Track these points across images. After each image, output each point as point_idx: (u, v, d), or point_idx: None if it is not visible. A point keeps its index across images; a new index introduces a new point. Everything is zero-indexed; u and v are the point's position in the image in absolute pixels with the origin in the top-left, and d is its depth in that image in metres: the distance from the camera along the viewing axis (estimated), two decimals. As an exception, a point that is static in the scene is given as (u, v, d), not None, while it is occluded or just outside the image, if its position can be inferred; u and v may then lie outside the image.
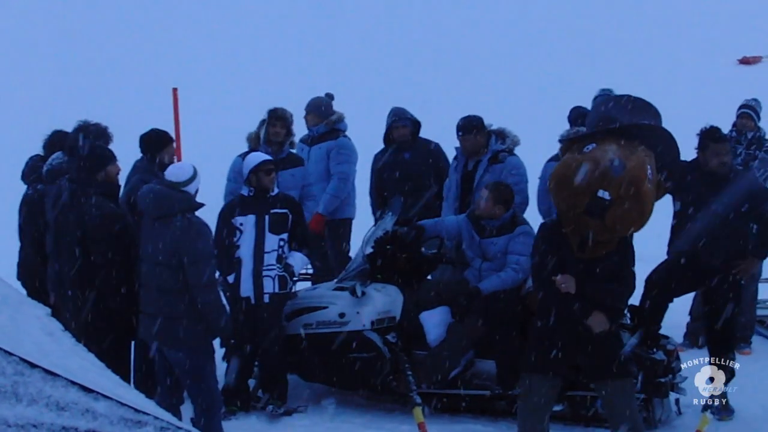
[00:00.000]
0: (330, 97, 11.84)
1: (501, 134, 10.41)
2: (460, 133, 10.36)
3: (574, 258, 7.33)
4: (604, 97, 11.07)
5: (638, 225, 7.35)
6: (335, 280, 9.85)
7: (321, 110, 11.58)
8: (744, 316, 11.17)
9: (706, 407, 7.51)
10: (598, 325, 7.37)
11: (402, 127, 11.21)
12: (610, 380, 7.45)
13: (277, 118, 10.66)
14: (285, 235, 9.37)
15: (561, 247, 7.39)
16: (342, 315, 9.31)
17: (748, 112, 11.53)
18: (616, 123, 7.47)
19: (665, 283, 9.10)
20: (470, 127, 10.31)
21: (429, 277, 9.98)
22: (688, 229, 9.10)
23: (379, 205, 11.36)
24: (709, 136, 9.13)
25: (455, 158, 10.59)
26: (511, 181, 9.82)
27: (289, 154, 10.75)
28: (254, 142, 10.71)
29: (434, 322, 9.23)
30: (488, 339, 9.08)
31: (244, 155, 10.24)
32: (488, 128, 10.40)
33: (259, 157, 9.52)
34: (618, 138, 7.29)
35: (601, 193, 7.00)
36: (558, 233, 7.46)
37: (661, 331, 9.29)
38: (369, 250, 9.65)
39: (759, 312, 11.67)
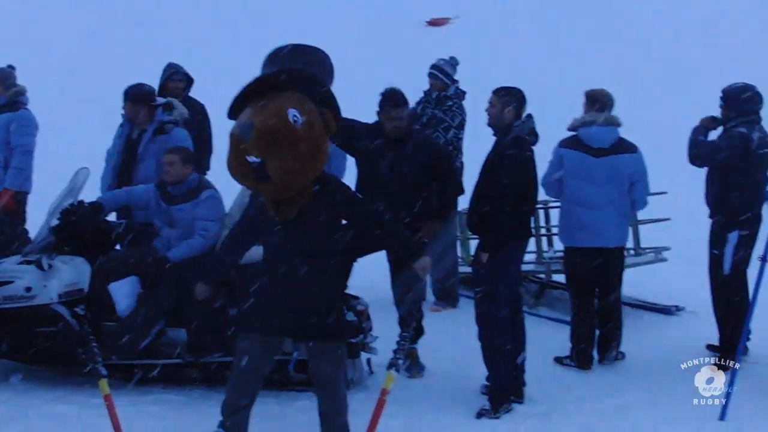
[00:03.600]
0: (12, 68, 11.56)
1: (169, 106, 10.31)
2: (124, 101, 10.24)
3: (276, 222, 7.31)
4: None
5: (309, 169, 7.17)
6: (21, 254, 9.54)
7: (6, 82, 11.33)
8: (451, 276, 11.60)
9: (391, 365, 7.61)
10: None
11: (178, 81, 11.36)
12: (322, 342, 7.47)
13: None
14: None
15: (262, 215, 7.38)
16: (29, 289, 8.99)
17: (433, 72, 11.78)
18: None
19: (350, 244, 9.24)
20: (136, 96, 10.23)
21: (117, 247, 9.81)
22: (377, 192, 9.27)
23: None
24: (387, 99, 9.31)
25: (121, 125, 10.45)
26: None
27: None
28: None
29: (123, 292, 9.06)
30: (179, 307, 9.02)
31: None
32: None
33: None
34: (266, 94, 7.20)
35: (250, 159, 6.97)
36: (258, 201, 7.44)
37: (353, 292, 9.45)
38: (55, 222, 9.38)
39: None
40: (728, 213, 9.59)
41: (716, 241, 9.71)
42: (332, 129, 7.32)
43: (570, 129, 9.69)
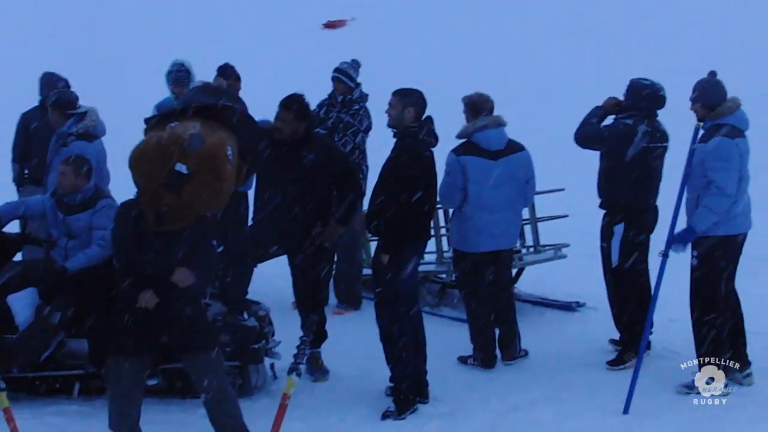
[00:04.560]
0: None
1: (82, 116, 10.17)
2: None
3: (152, 233, 7.28)
4: (177, 72, 11.12)
5: (214, 204, 7.44)
6: None
7: None
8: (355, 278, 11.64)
9: (291, 370, 7.62)
10: (184, 280, 7.39)
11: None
12: (195, 353, 7.51)
13: None
14: None
15: (138, 223, 7.34)
16: (-75, 304, 8.84)
17: (337, 75, 11.68)
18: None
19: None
20: (53, 102, 10.21)
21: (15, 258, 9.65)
22: (275, 195, 9.27)
23: (19, 159, 11.33)
24: (280, 102, 9.28)
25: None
26: None
27: None
28: None
29: (22, 304, 8.91)
30: (79, 318, 8.90)
31: None
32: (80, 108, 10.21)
33: None
34: (203, 118, 7.34)
35: (179, 166, 6.97)
36: (136, 208, 7.40)
37: (254, 297, 9.42)
38: (-53, 234, 9.21)
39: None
40: (614, 205, 9.71)
41: (604, 233, 9.80)
42: (240, 181, 7.48)
43: (461, 136, 9.65)
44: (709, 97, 8.99)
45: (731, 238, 8.94)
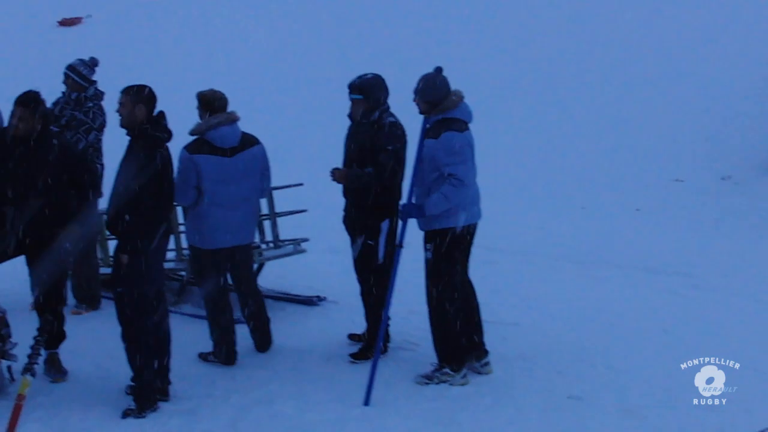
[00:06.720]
0: None
1: None
2: None
3: None
4: None
5: None
6: None
7: None
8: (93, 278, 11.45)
9: (26, 370, 7.50)
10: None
11: None
12: None
13: None
14: None
15: None
16: None
17: (67, 72, 11.45)
18: None
19: None
20: None
21: None
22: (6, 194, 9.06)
23: None
24: (16, 99, 9.07)
25: None
26: None
27: None
28: None
29: None
30: None
31: None
32: None
33: None
34: None
35: None
36: None
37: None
38: None
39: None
40: (379, 203, 9.70)
41: (370, 231, 9.79)
42: None
43: (195, 133, 9.57)
44: (433, 94, 9.12)
45: (462, 229, 9.17)
